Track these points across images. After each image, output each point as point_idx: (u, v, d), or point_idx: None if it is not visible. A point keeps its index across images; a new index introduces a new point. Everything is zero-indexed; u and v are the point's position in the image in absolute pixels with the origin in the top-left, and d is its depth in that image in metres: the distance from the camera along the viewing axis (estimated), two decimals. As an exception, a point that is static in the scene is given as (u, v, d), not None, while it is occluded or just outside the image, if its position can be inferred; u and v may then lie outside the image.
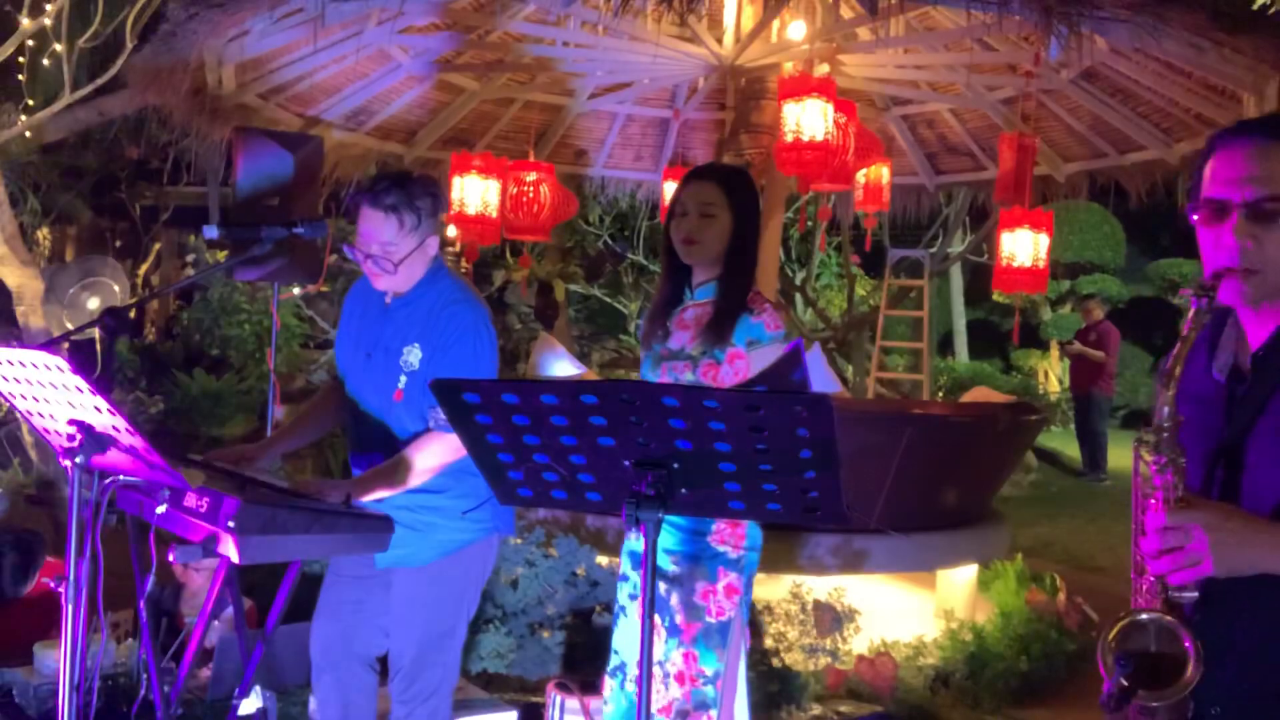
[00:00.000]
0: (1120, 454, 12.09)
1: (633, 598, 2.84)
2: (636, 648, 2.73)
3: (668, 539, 2.70)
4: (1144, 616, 1.58)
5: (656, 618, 2.69)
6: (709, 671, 2.68)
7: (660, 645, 2.70)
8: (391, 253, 2.73)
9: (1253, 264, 1.60)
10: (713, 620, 2.69)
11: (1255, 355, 1.66)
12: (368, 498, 2.68)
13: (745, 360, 2.71)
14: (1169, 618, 1.56)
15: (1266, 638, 1.60)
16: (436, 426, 2.71)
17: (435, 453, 2.70)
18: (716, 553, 2.70)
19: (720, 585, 2.69)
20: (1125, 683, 1.53)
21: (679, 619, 2.69)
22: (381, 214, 2.72)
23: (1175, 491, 1.57)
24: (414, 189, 2.76)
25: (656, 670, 2.70)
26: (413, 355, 2.77)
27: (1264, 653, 1.60)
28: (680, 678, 2.69)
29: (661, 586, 2.71)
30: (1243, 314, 1.69)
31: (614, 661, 2.86)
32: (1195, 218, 1.68)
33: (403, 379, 2.77)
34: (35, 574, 4.60)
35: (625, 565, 2.88)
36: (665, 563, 2.71)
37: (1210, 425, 1.67)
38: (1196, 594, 1.56)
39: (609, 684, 2.87)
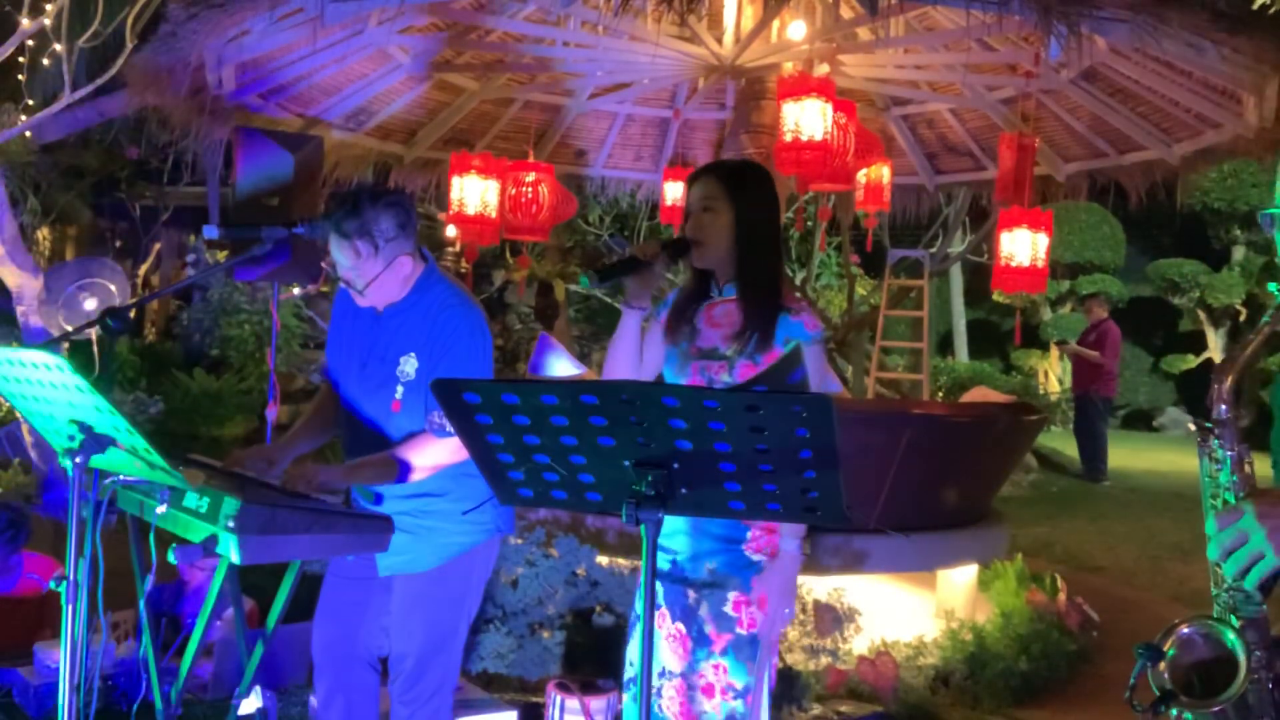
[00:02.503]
0: (1120, 454, 12.10)
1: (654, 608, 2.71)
2: (653, 658, 2.63)
3: (701, 545, 2.62)
4: (1187, 628, 1.52)
5: (681, 626, 2.62)
6: (739, 685, 2.58)
7: (685, 656, 2.61)
8: (356, 277, 2.72)
9: None
10: (744, 632, 2.58)
11: None
12: (361, 484, 2.68)
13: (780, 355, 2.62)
14: (1215, 623, 1.50)
15: None
16: (431, 429, 2.69)
17: (429, 453, 2.69)
18: (751, 562, 2.61)
19: (754, 596, 2.60)
20: (1166, 683, 1.48)
21: (709, 629, 2.60)
22: (338, 239, 2.70)
23: (1242, 489, 1.50)
24: (372, 213, 2.69)
25: (681, 682, 2.61)
26: (409, 365, 2.75)
27: None
28: (709, 690, 2.60)
29: (690, 595, 2.62)
30: None
31: (628, 673, 2.77)
32: (1272, 219, 1.60)
33: (399, 389, 2.75)
34: (20, 544, 4.56)
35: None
36: (698, 570, 2.63)
37: None
38: (1264, 607, 1.49)
39: (625, 696, 2.79)
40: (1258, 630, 1.50)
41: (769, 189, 2.76)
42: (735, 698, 2.58)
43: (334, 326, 2.98)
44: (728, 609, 2.59)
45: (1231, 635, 1.47)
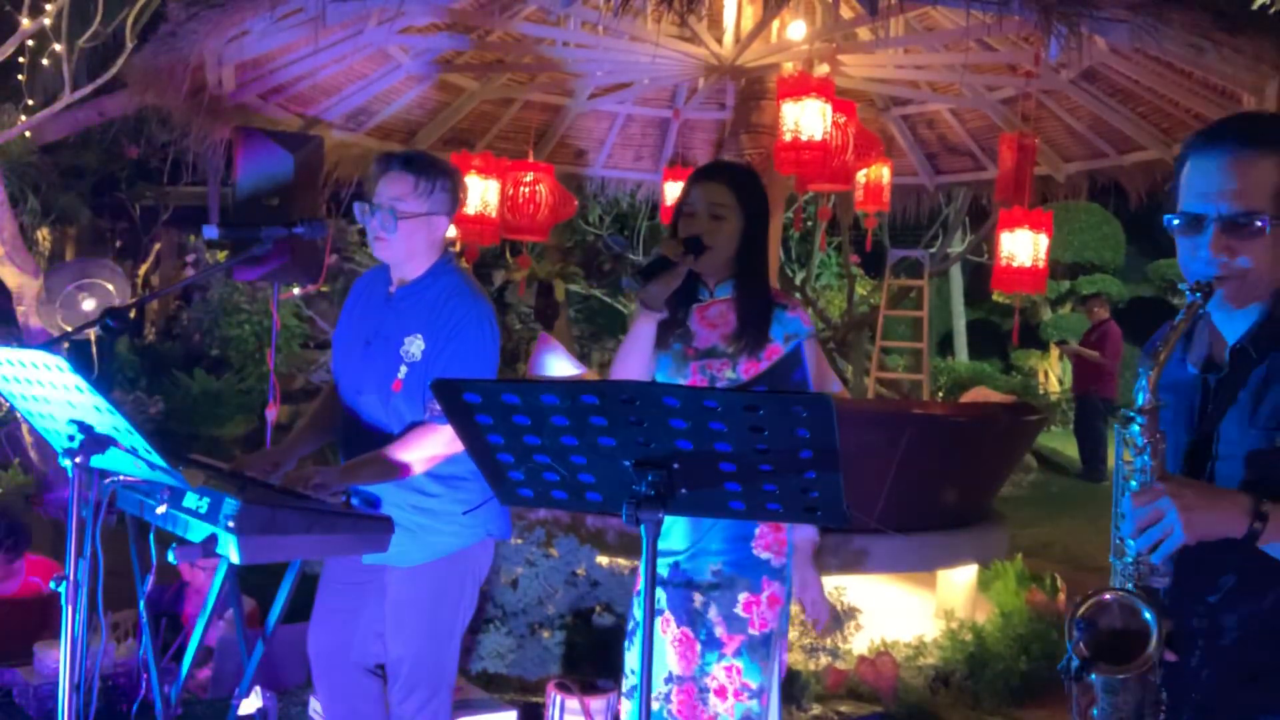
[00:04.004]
0: (1120, 454, 12.06)
1: (655, 614, 2.62)
2: (655, 665, 2.58)
3: (706, 545, 2.59)
4: (1108, 595, 1.65)
5: (688, 630, 2.59)
6: (754, 685, 2.56)
7: (694, 659, 2.59)
8: (398, 208, 2.74)
9: (1230, 273, 1.69)
10: (756, 632, 2.56)
11: (1233, 348, 1.75)
12: (359, 485, 2.68)
13: (782, 354, 2.64)
14: (1131, 595, 1.63)
15: (1236, 622, 1.69)
16: (431, 418, 2.68)
17: (430, 443, 2.68)
18: (760, 561, 2.59)
19: (764, 595, 2.58)
20: (1085, 651, 1.61)
21: (719, 631, 2.57)
22: (399, 171, 2.78)
23: (1156, 474, 1.64)
24: (440, 164, 2.85)
25: (690, 685, 2.58)
26: (414, 346, 2.75)
27: (1234, 637, 1.69)
28: (721, 692, 2.57)
29: (697, 598, 2.59)
30: (1219, 312, 1.78)
31: (629, 682, 2.72)
32: (1174, 225, 1.75)
33: (403, 369, 2.74)
34: (21, 551, 4.56)
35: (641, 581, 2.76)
36: (704, 572, 2.60)
37: (1182, 415, 1.77)
38: (1168, 580, 1.64)
39: (626, 705, 2.74)
40: (1150, 599, 1.65)
41: (766, 195, 2.81)
42: (750, 697, 2.56)
43: (345, 311, 3.01)
44: (739, 610, 2.57)
45: (1148, 610, 1.61)
